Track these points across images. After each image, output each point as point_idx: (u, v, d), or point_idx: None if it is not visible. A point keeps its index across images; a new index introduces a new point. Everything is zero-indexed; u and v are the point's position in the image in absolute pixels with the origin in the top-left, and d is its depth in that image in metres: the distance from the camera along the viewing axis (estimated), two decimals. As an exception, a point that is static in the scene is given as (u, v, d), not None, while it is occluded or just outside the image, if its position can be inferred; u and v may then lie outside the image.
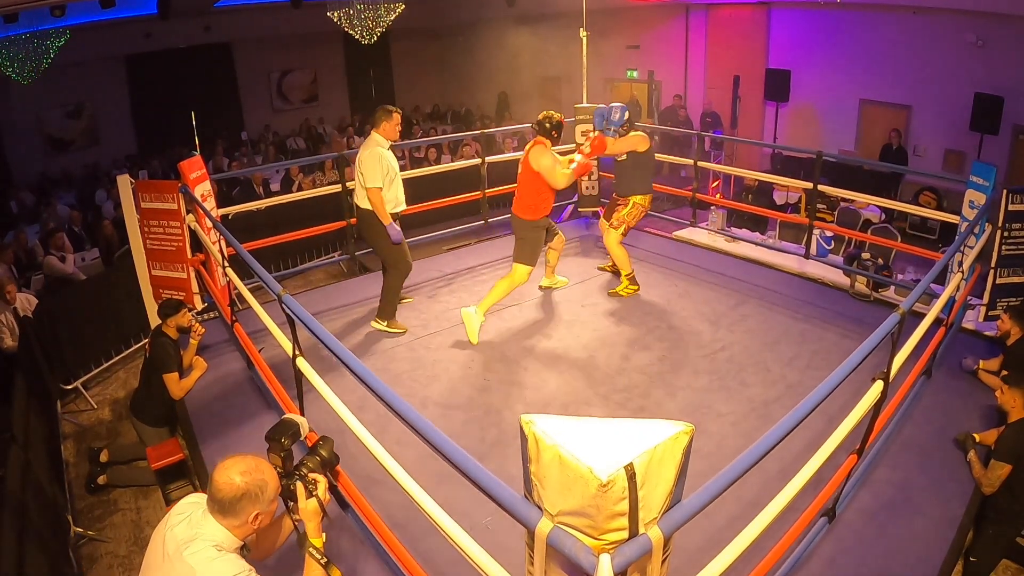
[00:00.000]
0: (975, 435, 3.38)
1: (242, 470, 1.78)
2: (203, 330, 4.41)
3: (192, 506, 1.86)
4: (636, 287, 5.34)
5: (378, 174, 4.46)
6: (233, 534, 1.80)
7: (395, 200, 4.66)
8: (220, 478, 1.77)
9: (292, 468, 2.00)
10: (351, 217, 5.77)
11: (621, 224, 5.26)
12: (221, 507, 1.77)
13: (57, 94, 11.07)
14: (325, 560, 1.95)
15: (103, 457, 4.31)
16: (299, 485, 1.97)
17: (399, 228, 4.66)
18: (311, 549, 1.95)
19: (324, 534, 2.00)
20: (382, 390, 2.19)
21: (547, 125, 4.60)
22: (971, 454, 3.28)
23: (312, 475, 2.00)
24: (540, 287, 5.52)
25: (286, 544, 2.17)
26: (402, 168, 4.84)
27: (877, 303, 5.19)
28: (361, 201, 4.62)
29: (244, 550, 1.87)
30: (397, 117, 4.57)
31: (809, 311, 5.04)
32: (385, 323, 4.85)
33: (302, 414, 3.20)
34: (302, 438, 2.09)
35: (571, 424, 1.55)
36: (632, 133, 5.12)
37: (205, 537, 1.76)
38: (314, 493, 1.97)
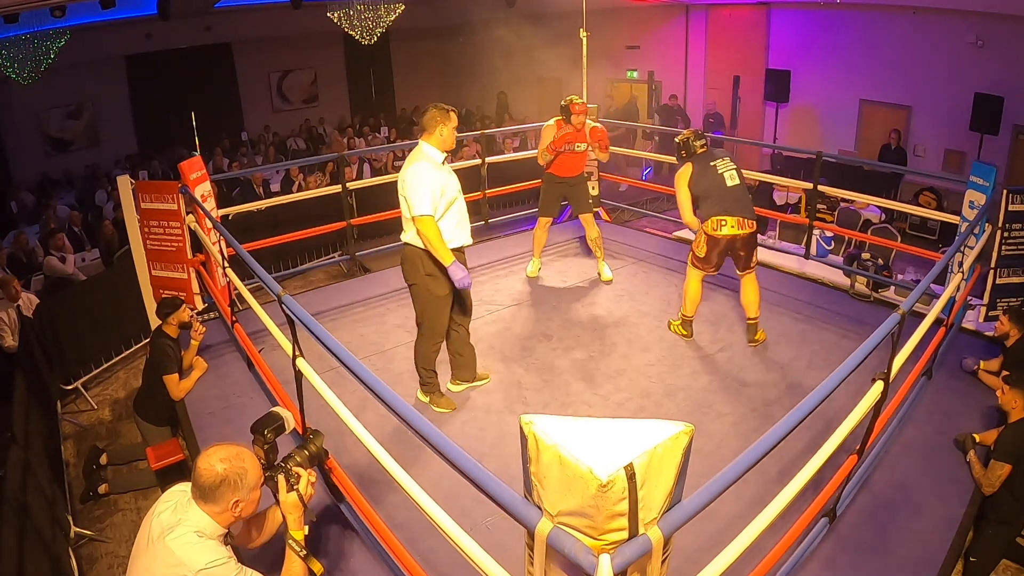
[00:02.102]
0: (975, 435, 3.39)
1: (222, 457, 1.82)
2: (204, 330, 4.40)
3: (179, 493, 1.89)
4: (685, 333, 4.62)
5: (426, 197, 3.36)
6: (215, 521, 1.83)
7: (450, 233, 3.51)
8: (202, 464, 1.81)
9: (275, 460, 2.02)
10: (351, 217, 5.79)
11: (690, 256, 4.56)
12: (202, 493, 1.81)
13: (57, 94, 11.06)
14: (304, 553, 1.97)
15: (103, 460, 4.32)
16: (280, 478, 1.99)
17: (466, 270, 3.51)
18: (291, 542, 1.98)
19: (306, 527, 2.03)
20: (382, 390, 2.18)
21: (561, 105, 5.18)
22: (971, 454, 3.28)
23: (296, 469, 2.02)
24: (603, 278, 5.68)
25: (278, 534, 2.19)
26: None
27: (877, 303, 5.19)
28: (408, 235, 3.56)
29: (228, 537, 1.90)
30: (455, 118, 3.50)
31: (809, 311, 5.04)
32: (428, 397, 3.92)
33: (302, 414, 3.20)
34: (287, 432, 2.10)
35: (571, 424, 1.55)
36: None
37: (188, 523, 1.80)
38: (295, 487, 1.99)
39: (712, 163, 4.28)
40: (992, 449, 3.16)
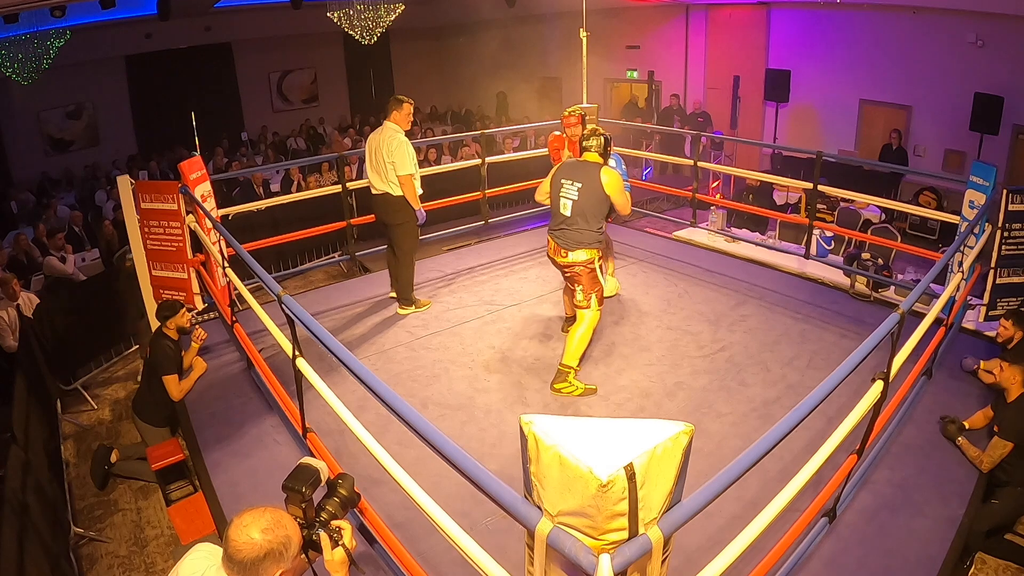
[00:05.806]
0: (965, 423, 3.47)
1: (263, 527, 1.56)
2: (205, 335, 4.40)
3: (205, 561, 1.63)
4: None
5: (409, 161, 4.70)
6: None
7: (419, 185, 4.93)
8: (238, 537, 1.54)
9: (314, 517, 1.83)
10: (351, 217, 5.79)
11: None
12: (241, 568, 1.54)
13: (57, 94, 11.06)
14: None
15: (113, 458, 4.32)
16: (323, 535, 1.79)
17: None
18: None
19: None
20: (382, 390, 2.19)
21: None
22: (961, 439, 3.36)
23: (335, 522, 1.84)
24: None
25: None
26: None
27: (877, 303, 5.19)
28: (384, 187, 4.79)
29: None
30: (408, 108, 4.79)
31: (809, 311, 5.04)
32: (412, 307, 5.18)
33: (302, 414, 3.20)
34: (323, 484, 1.90)
35: (571, 424, 1.55)
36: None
37: None
38: (340, 543, 1.80)
39: (563, 180, 3.97)
40: (997, 429, 3.21)
